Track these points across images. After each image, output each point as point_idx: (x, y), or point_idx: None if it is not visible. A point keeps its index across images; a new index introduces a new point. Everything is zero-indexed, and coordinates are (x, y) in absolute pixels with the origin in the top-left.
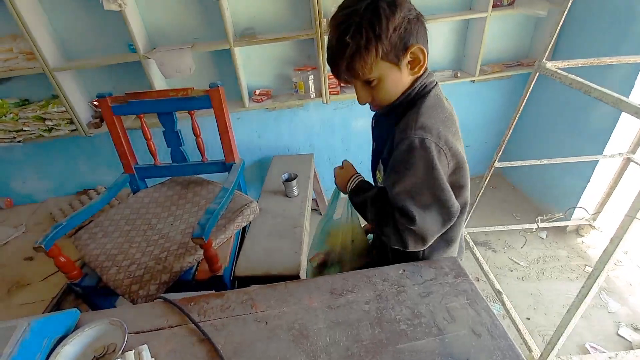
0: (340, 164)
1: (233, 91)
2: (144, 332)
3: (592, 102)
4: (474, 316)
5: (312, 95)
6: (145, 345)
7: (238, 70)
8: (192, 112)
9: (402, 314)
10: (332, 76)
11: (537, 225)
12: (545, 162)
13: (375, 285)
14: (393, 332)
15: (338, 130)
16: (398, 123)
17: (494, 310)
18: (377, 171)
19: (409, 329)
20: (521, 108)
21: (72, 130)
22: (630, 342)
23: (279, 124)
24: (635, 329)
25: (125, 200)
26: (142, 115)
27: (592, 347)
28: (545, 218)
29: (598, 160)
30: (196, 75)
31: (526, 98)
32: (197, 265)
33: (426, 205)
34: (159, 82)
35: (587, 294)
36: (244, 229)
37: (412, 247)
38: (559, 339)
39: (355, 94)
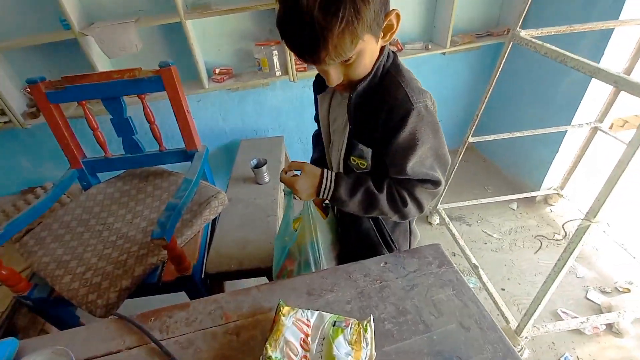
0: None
1: (189, 71)
2: (98, 357)
3: (560, 72)
4: (461, 308)
5: (278, 73)
6: None
7: (193, 46)
8: (143, 96)
9: (387, 311)
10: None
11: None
12: (517, 134)
13: (356, 282)
14: (378, 333)
15: (308, 108)
16: (373, 98)
17: (470, 285)
18: (352, 158)
19: (394, 329)
20: (495, 79)
21: (5, 123)
22: (599, 304)
23: (244, 105)
24: (603, 292)
25: (74, 199)
26: (84, 103)
27: (563, 312)
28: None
29: (567, 131)
30: (146, 54)
31: (500, 69)
32: (163, 266)
33: (443, 165)
34: (103, 64)
35: (563, 266)
36: (214, 221)
37: (421, 213)
38: (535, 310)
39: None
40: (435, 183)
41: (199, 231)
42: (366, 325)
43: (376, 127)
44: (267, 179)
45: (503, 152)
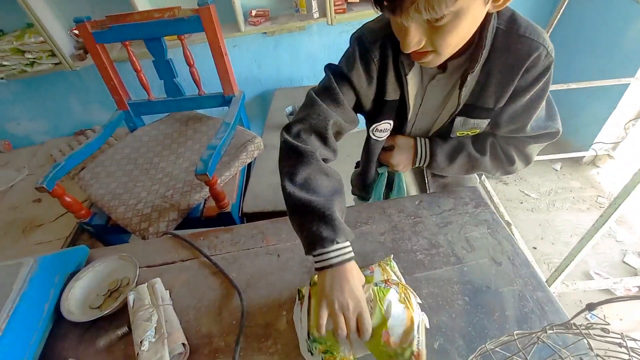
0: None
1: (225, 12)
2: (156, 265)
3: (628, 19)
4: (494, 245)
5: (316, 15)
6: (158, 279)
7: None
8: (182, 37)
9: (419, 244)
10: None
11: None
12: (573, 85)
13: (390, 216)
14: (409, 262)
15: None
16: (493, 69)
17: None
18: (459, 132)
19: (426, 259)
20: (554, 23)
21: (56, 64)
22: (635, 268)
23: (279, 51)
24: None
25: (122, 140)
26: (127, 43)
27: (596, 273)
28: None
29: (629, 84)
30: None
31: (561, 12)
32: (204, 203)
33: (554, 107)
34: (142, 3)
35: (604, 223)
36: (249, 166)
37: (527, 165)
38: (567, 266)
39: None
40: (554, 135)
41: (236, 174)
42: (390, 262)
43: (502, 97)
44: None
45: None
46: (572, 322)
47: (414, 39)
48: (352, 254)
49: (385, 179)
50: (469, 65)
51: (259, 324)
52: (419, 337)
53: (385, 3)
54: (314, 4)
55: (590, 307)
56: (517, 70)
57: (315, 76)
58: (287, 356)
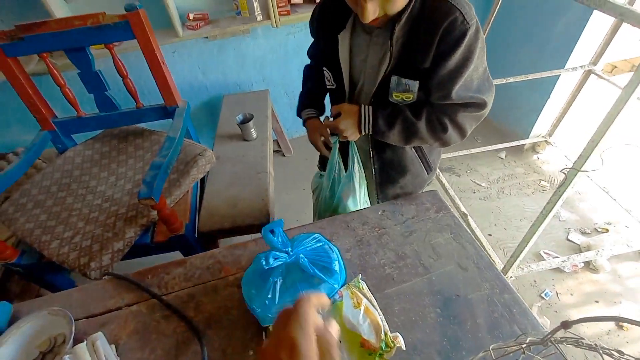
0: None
1: (160, 17)
2: (96, 315)
3: (556, 14)
4: (459, 250)
5: (259, 18)
6: (100, 333)
7: None
8: (111, 45)
9: (386, 257)
10: None
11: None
12: (511, 79)
13: (354, 230)
14: (378, 277)
15: (293, 58)
16: (419, 27)
17: None
18: (395, 94)
19: (394, 272)
20: (490, 22)
21: None
22: (578, 244)
23: (224, 56)
24: (583, 233)
25: (51, 163)
26: (46, 55)
27: (545, 253)
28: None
29: (559, 75)
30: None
31: (496, 12)
32: (154, 227)
33: (490, 85)
34: (59, 11)
35: (550, 212)
36: (202, 181)
37: (463, 138)
38: (521, 252)
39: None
40: (480, 105)
41: (187, 191)
42: (358, 283)
43: (426, 57)
44: (254, 135)
45: (493, 101)
46: (548, 338)
47: (371, 11)
48: None
49: (337, 148)
50: (397, 18)
51: None
52: (385, 324)
53: None
54: (256, 6)
55: (566, 325)
56: (436, 31)
57: (264, 80)
58: None
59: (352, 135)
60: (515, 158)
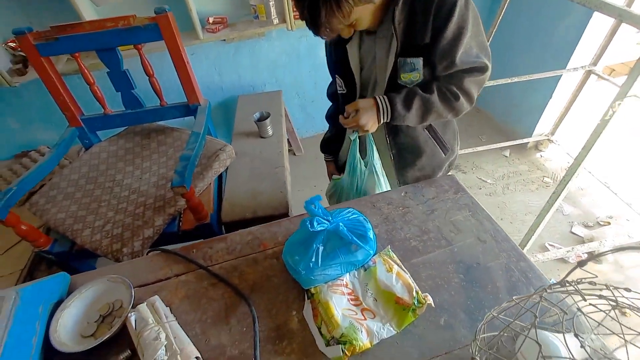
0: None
1: (182, 20)
2: (149, 284)
3: (557, 17)
4: (477, 225)
5: (275, 21)
6: (156, 296)
7: None
8: (139, 46)
9: (411, 232)
10: None
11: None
12: (515, 79)
13: (380, 209)
14: (405, 249)
15: (305, 61)
16: (415, 6)
17: None
18: (402, 76)
19: (419, 245)
20: (496, 25)
21: None
22: (582, 237)
23: (240, 58)
24: (586, 226)
25: (77, 158)
26: (77, 55)
27: (550, 245)
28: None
29: (561, 75)
30: (133, 4)
31: (501, 16)
32: (180, 216)
33: (487, 51)
34: (89, 13)
35: (552, 206)
36: (220, 176)
37: (472, 104)
38: (527, 243)
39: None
40: (482, 69)
41: (209, 184)
42: (388, 252)
43: (425, 33)
44: (270, 132)
45: (496, 100)
46: (565, 280)
47: (344, 33)
48: None
49: (358, 144)
50: (394, 4)
51: (270, 327)
52: (415, 285)
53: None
54: (273, 10)
55: (581, 264)
56: (430, 9)
57: (277, 82)
58: (305, 354)
59: (373, 127)
60: (519, 156)
